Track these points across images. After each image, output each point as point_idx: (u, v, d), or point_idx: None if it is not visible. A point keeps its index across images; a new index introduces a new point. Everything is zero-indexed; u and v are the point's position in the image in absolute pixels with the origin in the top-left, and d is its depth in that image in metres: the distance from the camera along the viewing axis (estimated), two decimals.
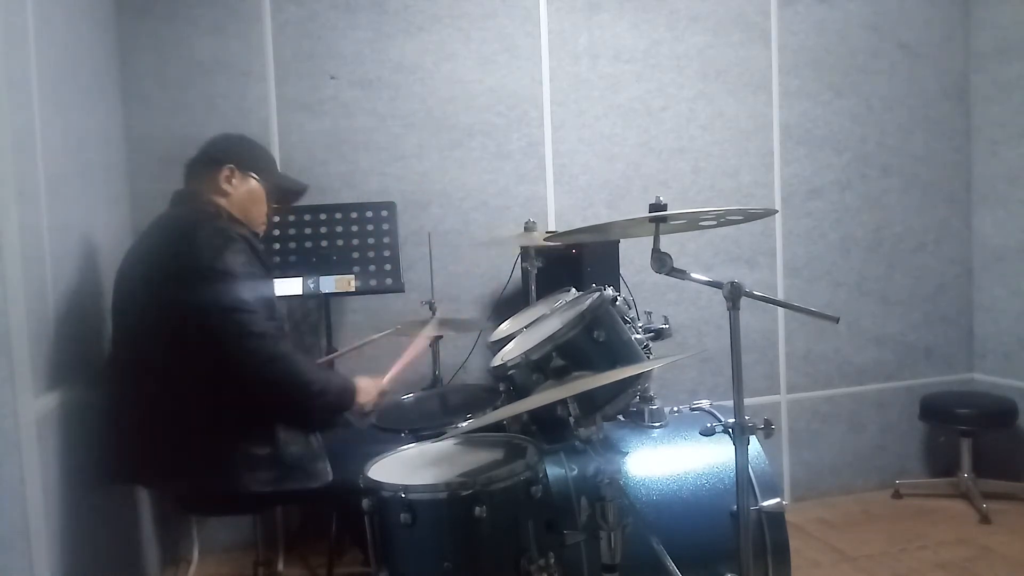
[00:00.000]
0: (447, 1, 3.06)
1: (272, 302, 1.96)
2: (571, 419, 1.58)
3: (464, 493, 1.46)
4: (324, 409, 1.96)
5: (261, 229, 2.16)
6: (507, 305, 2.99)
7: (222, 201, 2.03)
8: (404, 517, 1.46)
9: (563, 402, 1.57)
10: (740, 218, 1.85)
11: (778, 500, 1.79)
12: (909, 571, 2.67)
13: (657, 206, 1.61)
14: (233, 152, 2.10)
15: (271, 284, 1.99)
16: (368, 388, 2.07)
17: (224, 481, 1.85)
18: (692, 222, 1.78)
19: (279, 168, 2.31)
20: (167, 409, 1.86)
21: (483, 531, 1.46)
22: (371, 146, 3.02)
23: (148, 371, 1.89)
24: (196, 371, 1.83)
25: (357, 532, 1.60)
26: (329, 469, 1.91)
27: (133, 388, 1.94)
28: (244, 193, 2.08)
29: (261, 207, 2.13)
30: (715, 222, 1.84)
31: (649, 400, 2.02)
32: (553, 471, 1.76)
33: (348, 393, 2.00)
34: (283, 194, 2.25)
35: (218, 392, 1.84)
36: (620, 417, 2.02)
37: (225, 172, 2.04)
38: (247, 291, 1.83)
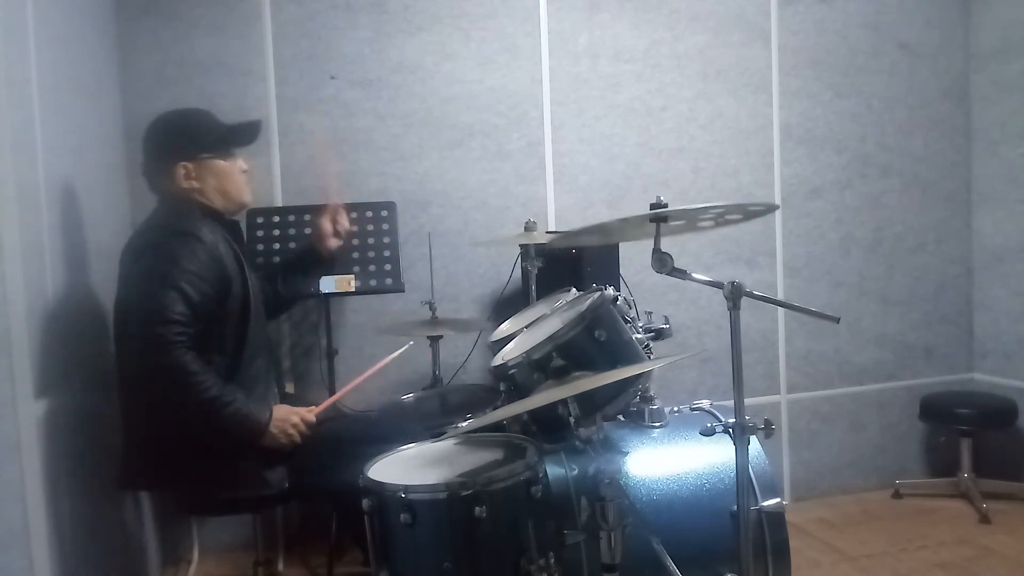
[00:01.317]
0: (447, 1, 3.06)
1: (211, 306, 1.87)
2: (571, 419, 1.58)
3: (464, 493, 1.46)
4: (222, 431, 1.84)
5: (246, 198, 2.10)
6: (507, 305, 2.99)
7: (195, 196, 2.00)
8: (404, 517, 1.46)
9: (563, 402, 1.57)
10: (739, 217, 1.85)
11: (778, 500, 1.79)
12: (909, 571, 2.67)
13: (658, 205, 1.60)
14: (177, 146, 2.01)
15: (230, 282, 1.92)
16: (285, 418, 1.93)
17: (181, 486, 1.90)
18: (691, 223, 1.77)
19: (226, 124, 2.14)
20: (131, 413, 1.92)
21: (483, 531, 1.46)
22: (371, 146, 3.02)
23: (120, 375, 1.95)
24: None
25: (357, 532, 1.60)
26: (285, 475, 1.92)
27: (117, 392, 1.99)
28: (210, 179, 2.02)
29: (233, 179, 2.06)
30: (713, 223, 1.84)
31: (649, 400, 2.02)
32: (553, 471, 1.76)
33: (252, 421, 1.87)
34: (242, 139, 2.14)
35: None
36: (620, 417, 2.02)
37: (180, 172, 1.99)
38: (168, 292, 1.77)
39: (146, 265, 1.83)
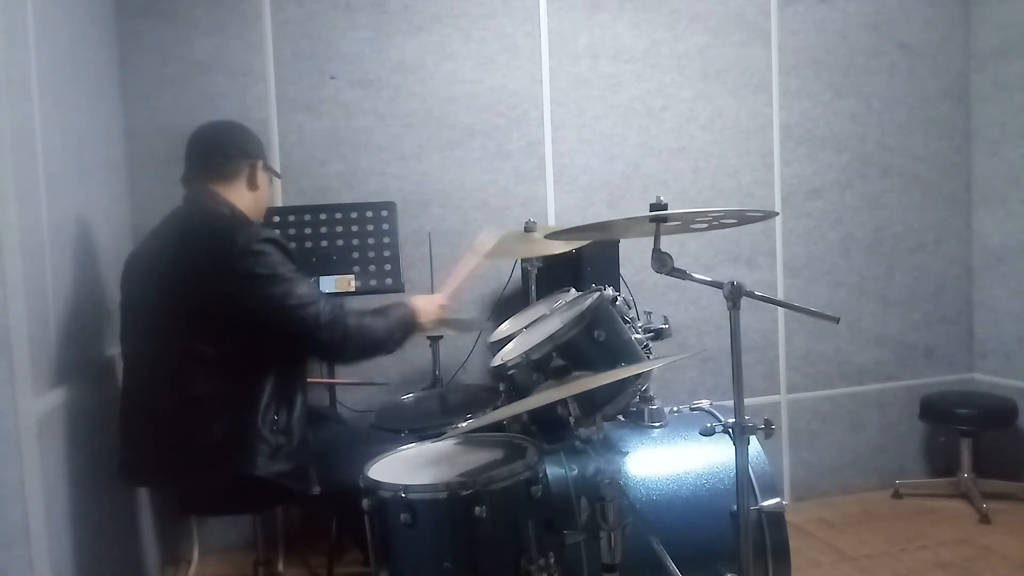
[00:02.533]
0: (447, 1, 3.06)
1: (314, 284, 2.00)
2: (571, 419, 1.58)
3: (464, 493, 1.46)
4: (397, 347, 2.02)
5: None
6: (507, 305, 2.99)
7: (244, 198, 2.04)
8: (404, 517, 1.47)
9: (563, 402, 1.57)
10: (734, 221, 1.85)
11: (778, 500, 1.79)
12: (909, 571, 2.67)
13: (657, 206, 1.60)
14: (259, 147, 2.12)
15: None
16: (427, 307, 2.10)
17: (225, 472, 1.86)
18: (685, 223, 1.78)
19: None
20: (180, 407, 1.88)
21: (483, 531, 1.46)
22: (371, 146, 3.02)
23: (165, 369, 1.89)
24: (221, 368, 1.85)
25: (357, 532, 1.60)
26: (316, 478, 1.91)
27: (147, 385, 1.94)
28: (264, 188, 2.11)
29: (268, 195, 2.17)
30: (706, 225, 1.84)
31: (649, 400, 2.02)
32: (553, 471, 1.76)
33: (411, 323, 2.04)
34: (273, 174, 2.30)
35: (237, 387, 1.86)
36: (620, 417, 2.02)
37: (259, 169, 2.07)
38: (299, 285, 1.86)
39: (254, 271, 1.83)
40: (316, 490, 1.90)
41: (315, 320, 1.84)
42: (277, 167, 2.91)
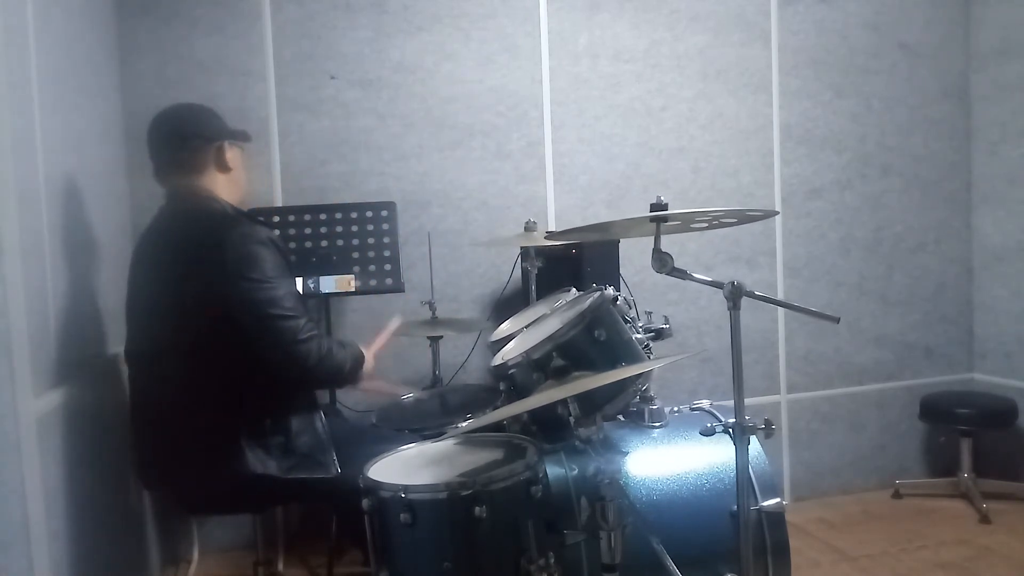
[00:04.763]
0: (447, 1, 3.06)
1: (301, 297, 1.96)
2: (571, 419, 1.58)
3: (464, 493, 1.46)
4: (347, 384, 2.09)
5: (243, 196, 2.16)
6: (507, 305, 2.99)
7: (220, 184, 2.00)
8: (404, 517, 1.46)
9: (563, 402, 1.57)
10: (734, 221, 1.86)
11: (778, 500, 1.79)
12: (909, 571, 2.67)
13: (658, 206, 1.61)
14: (219, 126, 2.04)
15: (295, 279, 1.99)
16: (369, 359, 2.12)
17: (236, 469, 1.86)
18: (685, 222, 1.78)
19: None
20: (186, 403, 1.88)
21: (483, 531, 1.46)
22: (371, 146, 3.02)
23: (168, 367, 1.90)
24: (219, 366, 1.85)
25: (357, 532, 1.60)
26: (336, 461, 1.92)
27: (152, 384, 1.95)
28: (237, 167, 2.06)
29: (245, 179, 2.13)
30: (706, 225, 1.84)
31: (649, 400, 2.02)
32: (553, 471, 1.76)
33: (360, 366, 2.05)
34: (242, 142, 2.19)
35: (238, 384, 1.87)
36: (620, 417, 2.02)
37: (224, 149, 2.01)
38: (286, 297, 1.84)
39: (245, 275, 1.81)
40: (325, 474, 1.90)
41: (292, 334, 1.82)
42: (277, 166, 2.91)
